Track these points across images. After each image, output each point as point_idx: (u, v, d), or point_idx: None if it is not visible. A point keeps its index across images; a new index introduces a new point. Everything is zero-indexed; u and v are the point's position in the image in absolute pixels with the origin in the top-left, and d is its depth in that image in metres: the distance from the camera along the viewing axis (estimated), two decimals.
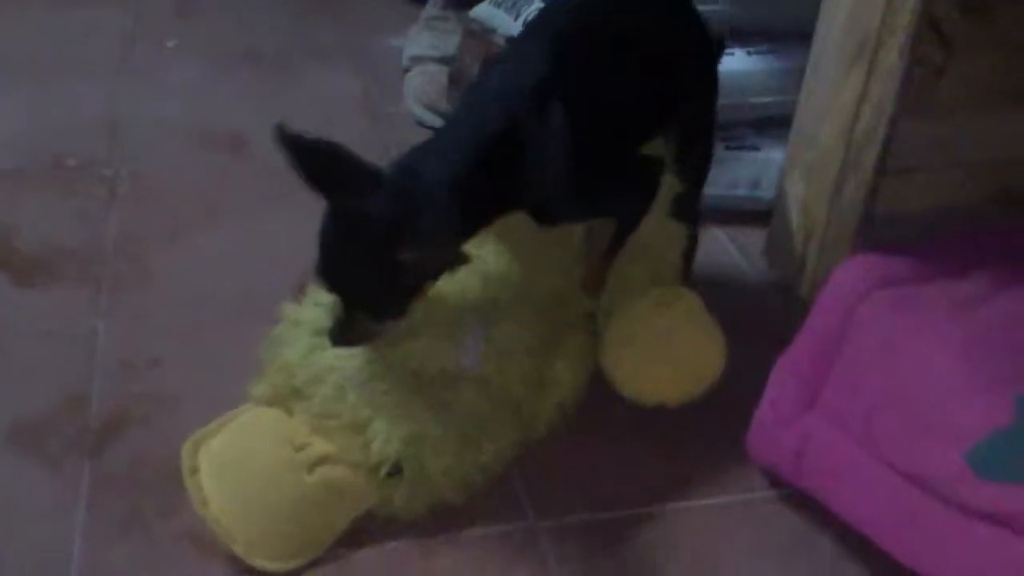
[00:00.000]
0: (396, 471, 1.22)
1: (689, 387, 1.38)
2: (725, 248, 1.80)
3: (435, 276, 1.21)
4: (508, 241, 1.36)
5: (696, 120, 1.48)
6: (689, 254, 1.53)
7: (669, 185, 1.44)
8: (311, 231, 1.33)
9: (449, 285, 1.28)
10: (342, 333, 1.20)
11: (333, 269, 1.17)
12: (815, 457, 1.25)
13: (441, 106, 2.10)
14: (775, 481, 1.33)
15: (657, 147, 1.43)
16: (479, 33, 2.01)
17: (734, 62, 1.85)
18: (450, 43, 2.19)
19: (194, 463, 1.19)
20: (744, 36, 1.88)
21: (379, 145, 1.87)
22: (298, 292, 1.38)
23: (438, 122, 1.79)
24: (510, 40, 1.41)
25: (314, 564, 1.19)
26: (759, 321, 1.55)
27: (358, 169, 1.14)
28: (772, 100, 1.87)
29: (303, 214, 1.56)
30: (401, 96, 2.20)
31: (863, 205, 1.30)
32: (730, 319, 1.43)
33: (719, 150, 1.90)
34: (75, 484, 1.26)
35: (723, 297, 1.53)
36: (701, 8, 1.80)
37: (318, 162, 1.13)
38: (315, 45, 2.46)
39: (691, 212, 1.50)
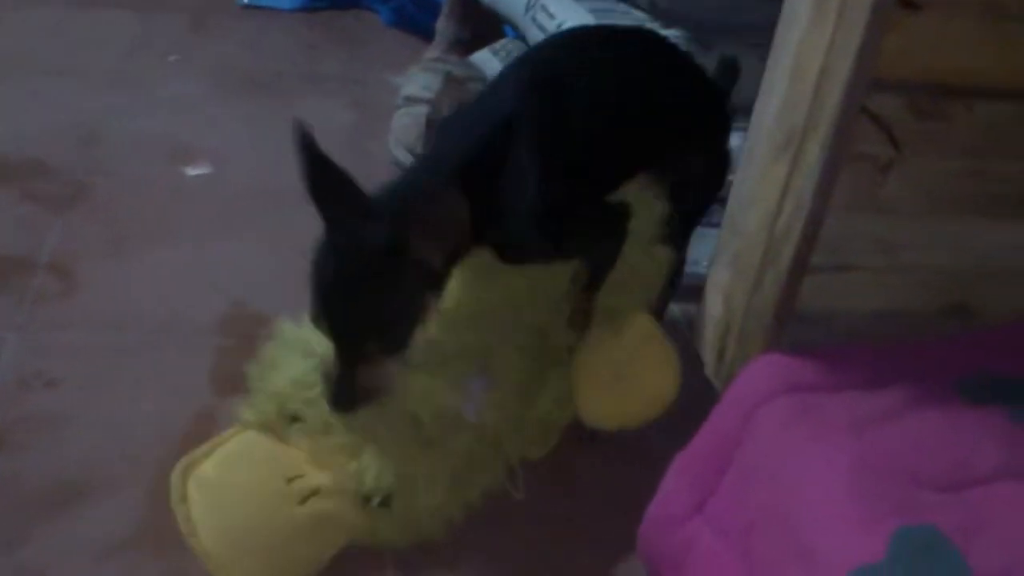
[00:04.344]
0: (384, 503, 1.20)
1: (645, 411, 1.42)
2: (675, 327, 1.73)
3: (439, 282, 1.15)
4: (491, 280, 1.34)
5: (694, 166, 1.48)
6: (673, 281, 1.54)
7: (656, 211, 1.46)
8: (256, 261, 1.48)
9: (440, 329, 1.23)
10: (340, 394, 1.10)
11: (334, 301, 1.08)
12: (695, 565, 1.17)
13: (418, 149, 2.07)
14: None
15: None
16: (460, 79, 1.99)
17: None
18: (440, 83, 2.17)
19: (183, 490, 1.16)
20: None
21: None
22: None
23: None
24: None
25: None
26: (691, 410, 1.48)
27: (357, 196, 1.11)
28: None
29: (253, 242, 1.57)
30: (387, 133, 2.18)
31: (778, 302, 1.22)
32: None
33: None
34: None
35: None
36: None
37: (325, 177, 1.10)
38: (317, 74, 2.47)
39: (678, 239, 1.51)
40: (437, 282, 1.14)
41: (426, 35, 2.51)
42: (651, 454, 1.41)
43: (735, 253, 1.29)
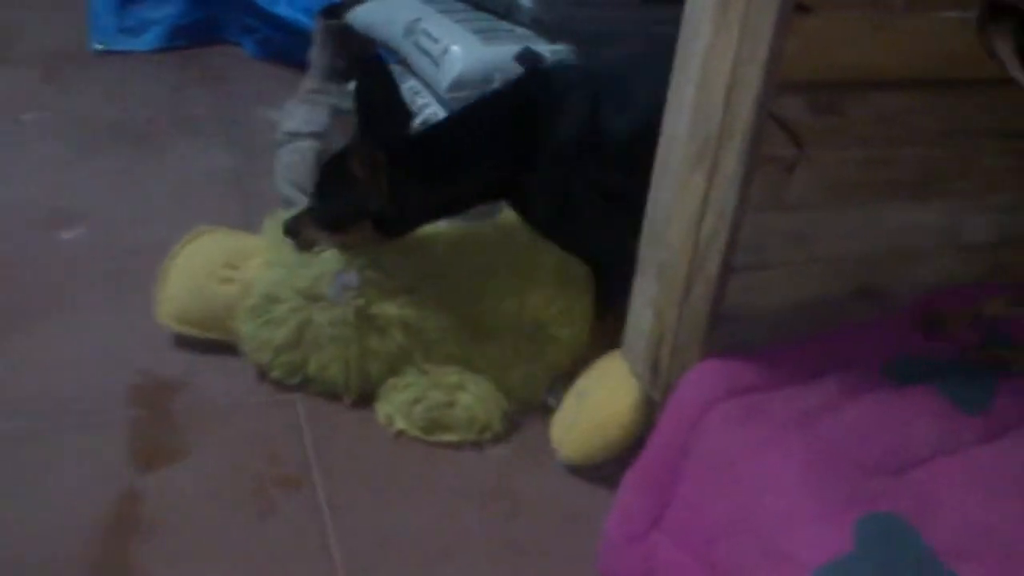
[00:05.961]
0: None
1: (585, 447, 1.44)
2: None
3: (372, 210, 1.49)
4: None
5: None
6: None
7: None
8: (153, 323, 1.49)
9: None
10: (290, 227, 1.58)
11: (319, 176, 1.59)
12: None
13: (308, 185, 2.02)
14: None
15: None
16: (347, 112, 1.94)
17: None
18: (326, 118, 2.12)
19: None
20: None
21: (245, 223, 1.80)
22: None
23: (304, 202, 1.76)
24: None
25: None
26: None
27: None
28: None
29: (146, 304, 1.47)
30: (271, 171, 2.11)
31: (710, 309, 1.24)
32: None
33: None
34: None
35: None
36: None
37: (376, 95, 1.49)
38: (187, 118, 2.37)
39: None
40: (372, 203, 1.48)
41: (297, 65, 2.44)
42: (600, 471, 1.41)
43: (660, 265, 1.30)
